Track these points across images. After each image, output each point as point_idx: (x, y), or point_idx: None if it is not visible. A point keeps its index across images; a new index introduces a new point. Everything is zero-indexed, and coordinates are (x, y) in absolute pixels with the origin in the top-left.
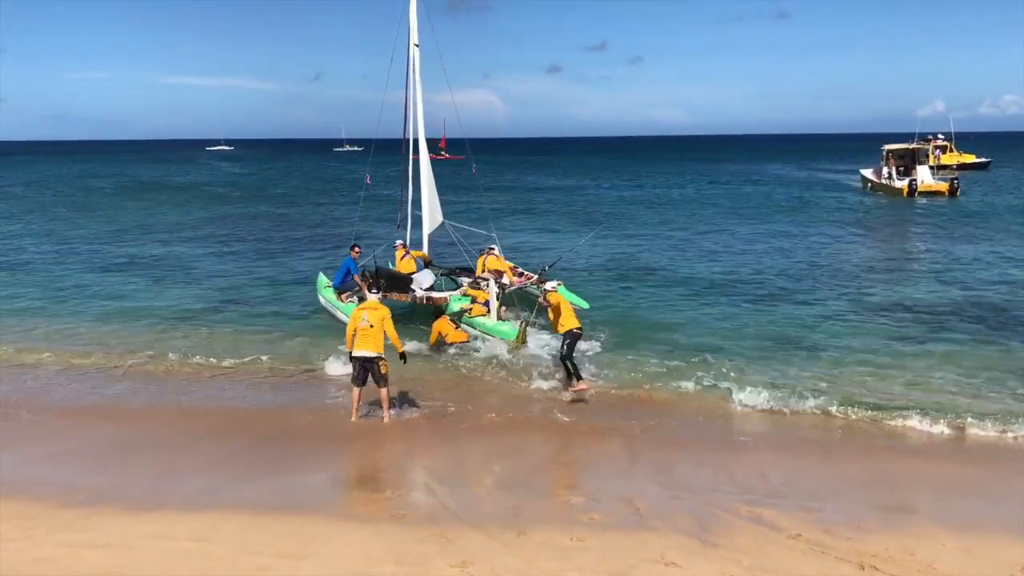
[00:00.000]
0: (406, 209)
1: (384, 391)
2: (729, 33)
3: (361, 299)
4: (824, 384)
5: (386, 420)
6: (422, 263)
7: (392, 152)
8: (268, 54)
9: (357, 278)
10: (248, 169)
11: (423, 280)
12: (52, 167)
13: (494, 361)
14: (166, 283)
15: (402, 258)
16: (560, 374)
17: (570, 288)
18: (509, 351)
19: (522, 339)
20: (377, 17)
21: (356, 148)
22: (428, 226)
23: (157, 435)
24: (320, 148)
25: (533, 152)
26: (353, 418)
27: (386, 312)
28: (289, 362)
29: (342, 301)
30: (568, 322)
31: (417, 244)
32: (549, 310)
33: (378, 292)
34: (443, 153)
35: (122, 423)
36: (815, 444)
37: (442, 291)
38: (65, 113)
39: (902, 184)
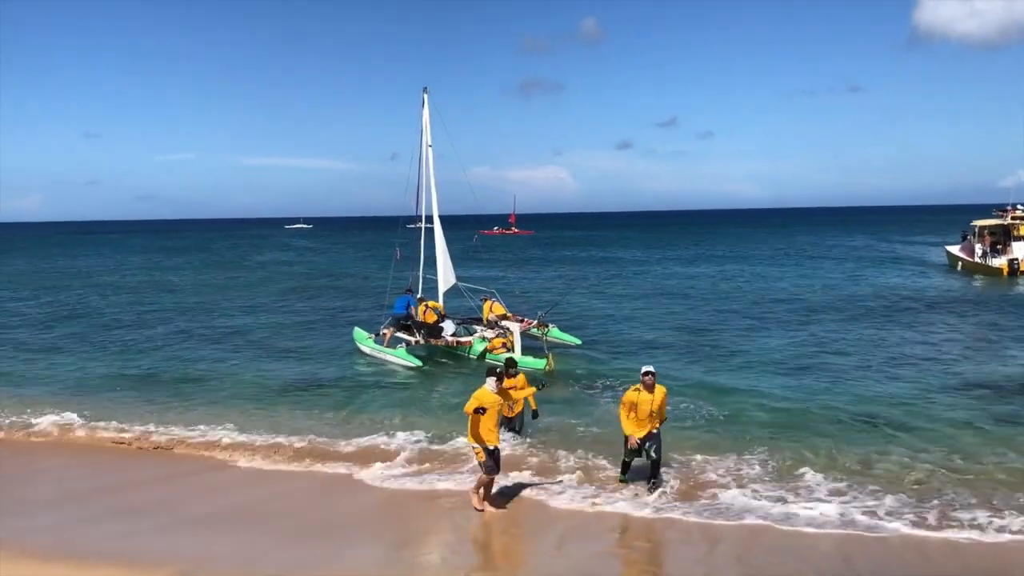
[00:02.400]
0: (418, 272)
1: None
2: (801, 106)
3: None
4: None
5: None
6: (438, 313)
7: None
8: (346, 135)
9: (412, 309)
10: (321, 245)
11: (448, 328)
12: (142, 240)
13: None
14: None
15: (424, 312)
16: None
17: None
18: (543, 376)
19: (551, 365)
20: (451, 100)
21: (429, 225)
22: (443, 285)
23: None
24: (391, 224)
25: (602, 226)
26: (480, 506)
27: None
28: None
29: (386, 336)
30: (644, 423)
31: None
32: (623, 407)
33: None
34: (512, 228)
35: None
36: None
37: (464, 336)
38: (154, 194)
39: (1000, 263)
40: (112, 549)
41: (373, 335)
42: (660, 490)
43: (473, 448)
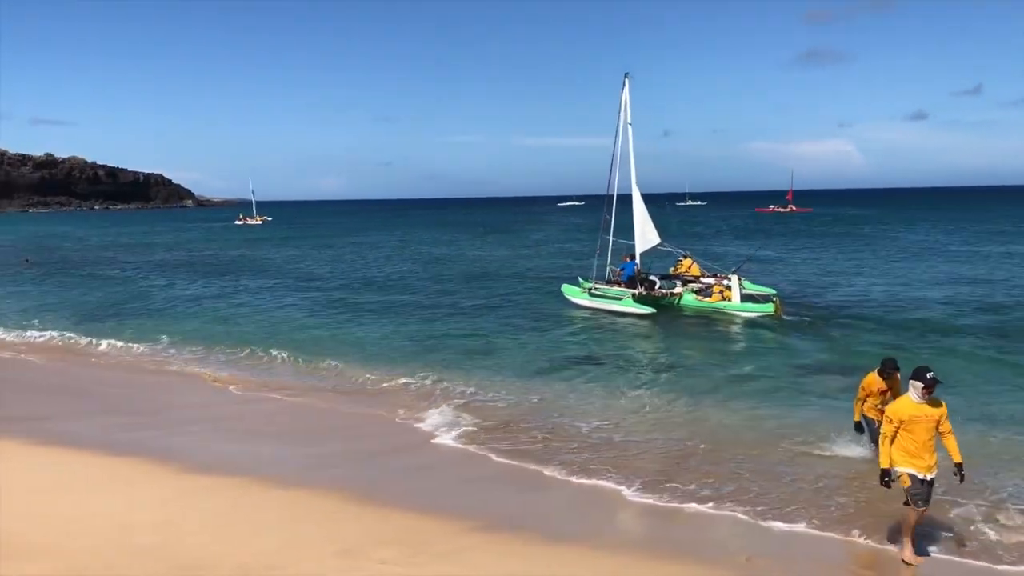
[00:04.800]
0: (606, 240)
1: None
2: None
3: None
4: None
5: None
6: (632, 268)
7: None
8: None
9: (636, 274)
10: (589, 220)
11: (656, 281)
12: (454, 215)
13: None
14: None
15: (688, 266)
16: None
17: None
18: (773, 320)
19: (780, 309)
20: (726, 74)
21: (699, 203)
22: (640, 245)
23: None
24: (663, 201)
25: (891, 204)
26: (912, 559)
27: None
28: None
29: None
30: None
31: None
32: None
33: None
34: (790, 206)
35: None
36: None
37: (671, 289)
38: (441, 173)
39: None
40: None
41: (588, 288)
42: None
43: (895, 473)
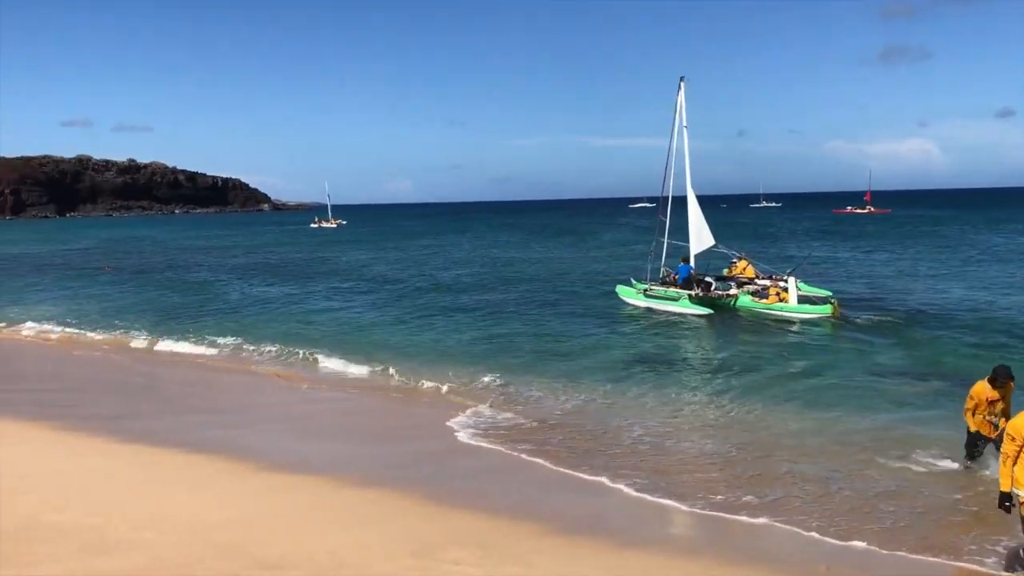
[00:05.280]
0: (661, 243)
1: None
2: None
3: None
4: None
5: None
6: (687, 270)
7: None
8: (693, 115)
9: (691, 276)
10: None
11: (712, 283)
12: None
13: None
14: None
15: (744, 268)
16: None
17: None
18: (832, 320)
19: (837, 310)
20: (802, 72)
21: (774, 204)
22: (695, 247)
23: None
24: (738, 203)
25: (975, 205)
26: None
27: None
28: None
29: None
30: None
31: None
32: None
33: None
34: (868, 207)
35: None
36: None
37: (727, 290)
38: (510, 176)
39: None
40: None
41: (643, 289)
42: None
43: (1017, 497)
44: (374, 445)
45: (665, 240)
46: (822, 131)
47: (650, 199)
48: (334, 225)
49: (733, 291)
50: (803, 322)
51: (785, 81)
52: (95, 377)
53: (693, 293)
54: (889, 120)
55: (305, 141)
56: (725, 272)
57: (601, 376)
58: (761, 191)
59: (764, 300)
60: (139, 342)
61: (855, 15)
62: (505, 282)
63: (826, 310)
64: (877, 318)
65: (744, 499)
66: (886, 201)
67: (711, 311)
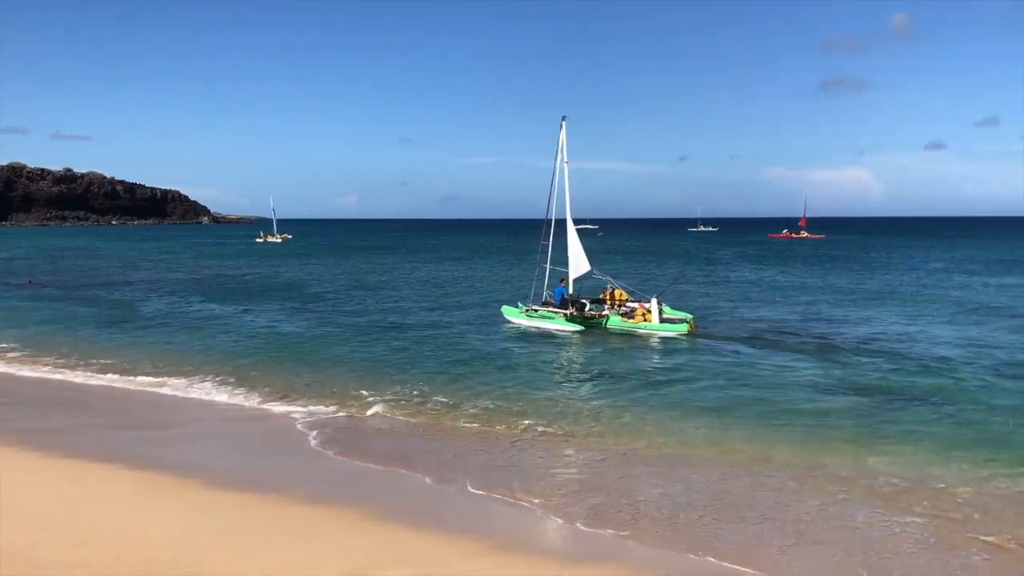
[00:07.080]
0: (545, 265)
1: None
2: None
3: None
4: None
5: None
6: (562, 293)
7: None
8: (633, 139)
9: (566, 298)
10: (603, 246)
11: (586, 304)
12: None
13: None
14: None
15: (615, 291)
16: None
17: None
18: (686, 338)
19: (693, 328)
20: (745, 100)
21: (711, 228)
22: (573, 272)
23: None
24: (677, 227)
25: (908, 233)
26: None
27: None
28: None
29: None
30: None
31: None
32: None
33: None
34: (802, 232)
35: None
36: None
37: (600, 311)
38: (456, 194)
39: None
40: None
41: (524, 310)
42: None
43: None
44: (307, 462)
45: (547, 266)
46: (763, 158)
47: (592, 221)
48: (280, 240)
49: (605, 311)
50: (663, 338)
51: (728, 107)
52: (22, 391)
53: (568, 313)
54: (828, 149)
55: (249, 155)
56: (602, 295)
57: (484, 385)
58: (699, 215)
59: (631, 319)
60: (55, 357)
61: (797, 48)
62: (424, 300)
63: (682, 328)
64: (732, 333)
65: (621, 517)
66: (822, 227)
67: (584, 328)
